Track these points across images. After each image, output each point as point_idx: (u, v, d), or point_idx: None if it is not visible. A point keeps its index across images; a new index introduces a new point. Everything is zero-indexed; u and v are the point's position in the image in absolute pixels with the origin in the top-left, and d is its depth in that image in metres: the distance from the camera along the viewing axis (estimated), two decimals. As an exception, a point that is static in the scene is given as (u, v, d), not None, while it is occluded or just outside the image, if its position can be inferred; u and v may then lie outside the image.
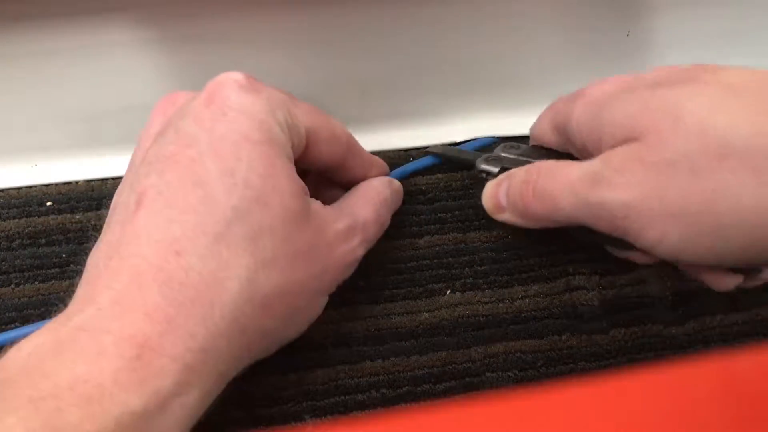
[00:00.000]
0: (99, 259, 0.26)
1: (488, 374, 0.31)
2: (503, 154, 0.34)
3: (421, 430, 0.14)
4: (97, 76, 0.37)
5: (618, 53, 0.40)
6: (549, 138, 0.33)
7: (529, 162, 0.32)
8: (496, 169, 0.33)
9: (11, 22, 0.34)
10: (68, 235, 0.35)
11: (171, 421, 0.23)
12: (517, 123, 0.40)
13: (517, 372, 0.31)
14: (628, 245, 0.28)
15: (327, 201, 0.30)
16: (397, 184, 0.35)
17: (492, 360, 0.31)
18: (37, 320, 0.32)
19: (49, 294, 0.33)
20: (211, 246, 0.25)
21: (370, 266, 0.34)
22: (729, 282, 0.30)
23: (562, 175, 0.29)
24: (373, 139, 0.39)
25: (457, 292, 0.33)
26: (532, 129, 0.34)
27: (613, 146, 0.28)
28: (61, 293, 0.33)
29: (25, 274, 0.34)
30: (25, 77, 0.36)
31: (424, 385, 0.31)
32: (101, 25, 0.35)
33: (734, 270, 0.29)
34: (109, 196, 0.37)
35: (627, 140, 0.27)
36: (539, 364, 0.31)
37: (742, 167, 0.24)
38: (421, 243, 0.35)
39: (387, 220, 0.33)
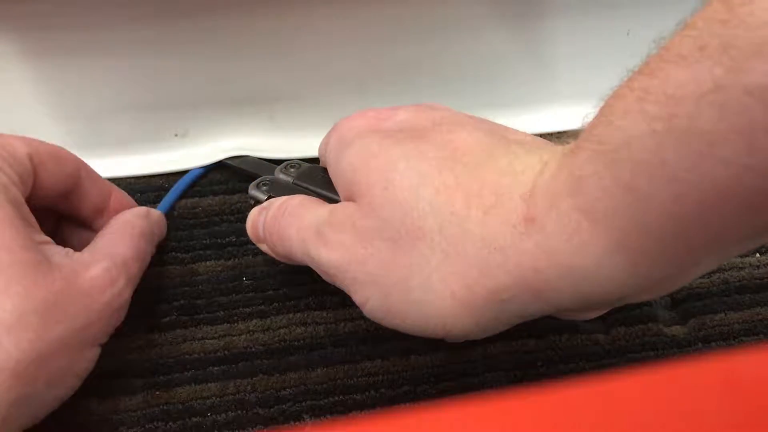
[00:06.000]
0: None
1: (488, 374, 0.31)
2: (280, 176, 0.34)
3: (421, 430, 0.14)
4: (96, 76, 0.37)
5: (618, 53, 0.40)
6: (325, 161, 0.32)
7: (298, 188, 0.32)
8: (264, 197, 0.33)
9: (11, 22, 0.34)
10: (67, 235, 0.35)
11: None
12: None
13: (516, 371, 0.31)
14: None
15: (79, 246, 0.29)
16: (156, 214, 0.33)
17: (491, 360, 0.31)
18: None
19: (48, 293, 0.33)
20: None
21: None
22: None
23: (299, 219, 0.28)
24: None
25: (457, 292, 0.33)
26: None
27: (343, 197, 0.28)
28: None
29: (24, 273, 0.34)
30: (24, 77, 0.36)
31: (424, 385, 0.31)
32: (101, 25, 0.35)
33: None
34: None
35: (350, 197, 0.27)
36: (539, 364, 0.31)
37: (432, 249, 0.24)
38: (420, 242, 0.35)
39: (148, 253, 0.31)
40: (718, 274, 0.34)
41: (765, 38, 0.17)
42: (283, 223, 0.29)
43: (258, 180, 0.34)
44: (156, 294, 0.33)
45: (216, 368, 0.31)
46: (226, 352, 0.31)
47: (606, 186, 0.20)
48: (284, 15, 0.36)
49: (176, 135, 0.39)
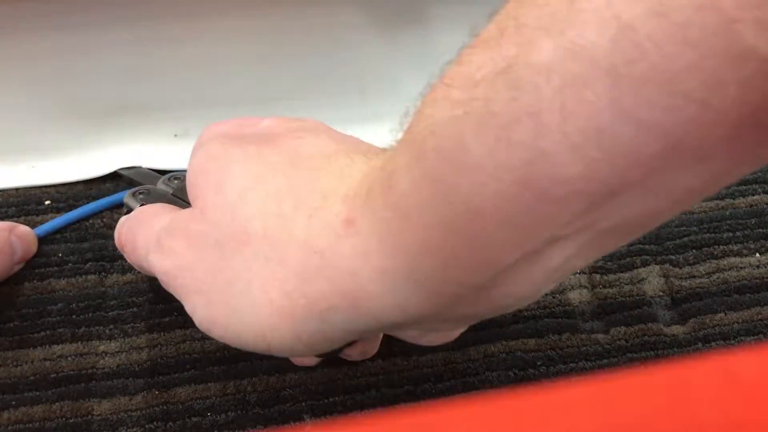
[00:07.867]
0: None
1: (488, 374, 0.31)
2: (161, 186, 0.32)
3: (421, 430, 0.14)
4: (95, 76, 0.37)
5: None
6: None
7: (176, 200, 0.31)
8: (137, 206, 0.31)
9: (11, 22, 0.34)
10: (66, 234, 0.35)
11: None
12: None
13: (516, 371, 0.31)
14: None
15: None
16: (22, 230, 0.33)
17: (491, 359, 0.31)
18: (36, 319, 0.32)
19: (47, 293, 0.33)
20: None
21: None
22: (304, 360, 0.29)
23: (149, 225, 0.27)
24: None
25: (457, 292, 0.33)
26: None
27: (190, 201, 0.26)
28: (59, 291, 0.33)
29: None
30: (24, 77, 0.36)
31: (424, 385, 0.31)
32: (100, 25, 0.35)
33: None
34: (108, 195, 0.37)
35: (192, 202, 0.26)
36: (539, 363, 0.31)
37: (256, 254, 0.23)
38: (420, 242, 0.35)
39: (4, 268, 0.31)
40: (718, 274, 0.34)
41: (551, 14, 0.16)
42: (135, 229, 0.28)
43: (136, 189, 0.32)
44: (156, 294, 0.33)
45: (216, 368, 0.31)
46: (226, 352, 0.31)
47: (415, 178, 0.19)
48: (284, 15, 0.36)
49: (176, 135, 0.39)
